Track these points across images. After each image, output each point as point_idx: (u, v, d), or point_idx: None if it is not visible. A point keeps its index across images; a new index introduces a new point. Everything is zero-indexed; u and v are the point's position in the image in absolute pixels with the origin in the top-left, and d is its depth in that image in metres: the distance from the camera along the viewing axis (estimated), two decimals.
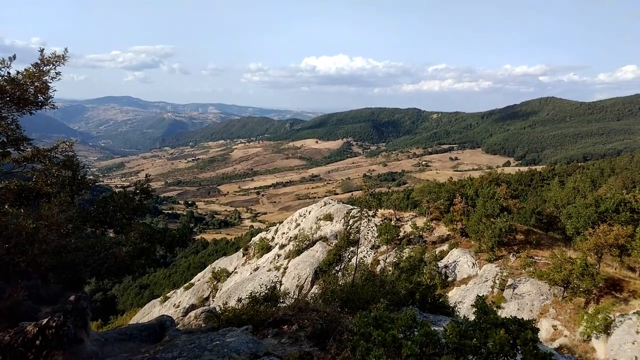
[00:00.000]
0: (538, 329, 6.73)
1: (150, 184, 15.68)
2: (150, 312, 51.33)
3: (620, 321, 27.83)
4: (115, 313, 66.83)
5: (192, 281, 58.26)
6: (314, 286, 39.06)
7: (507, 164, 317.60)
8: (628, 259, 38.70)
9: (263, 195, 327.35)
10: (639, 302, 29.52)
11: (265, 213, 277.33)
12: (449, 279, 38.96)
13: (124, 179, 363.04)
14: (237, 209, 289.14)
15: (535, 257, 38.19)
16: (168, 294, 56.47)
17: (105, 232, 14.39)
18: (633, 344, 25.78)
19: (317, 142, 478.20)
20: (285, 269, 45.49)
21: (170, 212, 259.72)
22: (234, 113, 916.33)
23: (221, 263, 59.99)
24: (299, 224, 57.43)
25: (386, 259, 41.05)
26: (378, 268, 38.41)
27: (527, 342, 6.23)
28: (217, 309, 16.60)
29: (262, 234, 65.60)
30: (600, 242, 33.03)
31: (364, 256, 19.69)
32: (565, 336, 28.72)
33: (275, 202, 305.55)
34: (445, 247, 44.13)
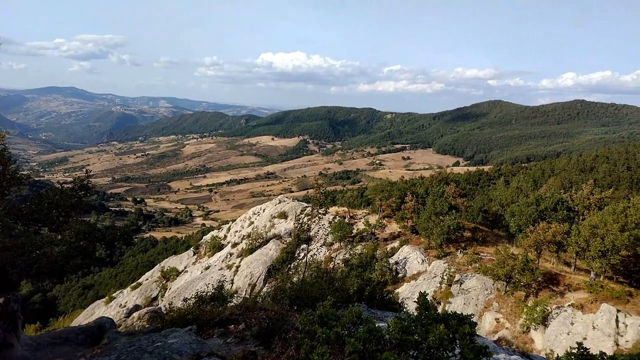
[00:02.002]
0: (476, 323, 6.97)
1: (92, 179, 14.80)
2: (93, 313, 48.95)
3: (557, 313, 29.55)
4: (55, 315, 63.23)
5: (139, 280, 56.13)
6: (267, 284, 38.72)
7: (457, 163, 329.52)
8: (564, 255, 41.18)
9: (216, 192, 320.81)
10: (574, 295, 31.43)
11: (218, 211, 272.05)
12: (400, 275, 39.80)
13: (67, 174, 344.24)
14: (189, 206, 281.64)
15: (481, 254, 39.78)
16: (114, 294, 54.06)
17: (39, 231, 13.46)
18: (568, 334, 27.44)
19: (273, 139, 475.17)
20: (237, 267, 44.79)
21: (117, 209, 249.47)
22: (187, 107, 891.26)
23: (171, 262, 58.25)
24: (252, 222, 56.74)
25: (337, 256, 41.37)
26: (331, 265, 38.60)
27: (465, 336, 6.43)
28: (163, 309, 16.04)
29: (215, 232, 64.32)
30: (540, 238, 34.84)
31: (314, 253, 19.68)
32: (507, 328, 30.12)
33: (228, 199, 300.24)
34: (396, 244, 45.04)
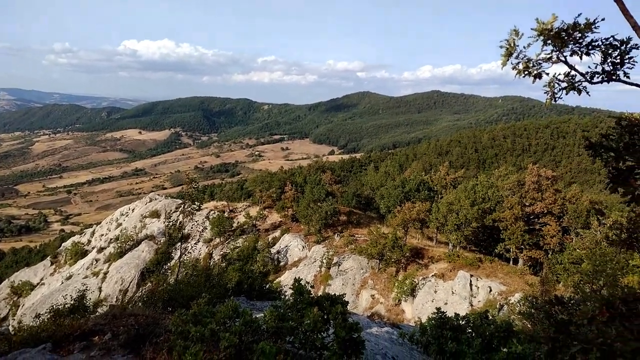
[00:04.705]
0: (347, 302, 7.21)
1: None
2: None
3: (423, 284, 32.68)
4: None
5: None
6: (141, 289, 35.96)
7: (332, 152, 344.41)
8: (427, 230, 45.72)
9: (76, 194, 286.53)
10: (436, 266, 35.06)
11: (80, 214, 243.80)
12: (282, 263, 40.18)
13: None
14: (43, 211, 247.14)
15: (356, 235, 42.08)
16: None
17: None
18: (432, 301, 30.49)
19: (140, 132, 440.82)
20: (105, 274, 41.05)
21: None
22: (35, 100, 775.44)
23: (23, 275, 51.08)
24: (120, 224, 52.44)
25: (217, 252, 40.18)
26: (210, 261, 37.35)
27: (338, 315, 6.59)
28: (11, 329, 13.85)
29: (76, 238, 58.17)
30: (406, 217, 38.04)
31: (189, 251, 18.68)
32: (381, 303, 32.40)
33: (91, 201, 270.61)
34: (277, 233, 45.36)
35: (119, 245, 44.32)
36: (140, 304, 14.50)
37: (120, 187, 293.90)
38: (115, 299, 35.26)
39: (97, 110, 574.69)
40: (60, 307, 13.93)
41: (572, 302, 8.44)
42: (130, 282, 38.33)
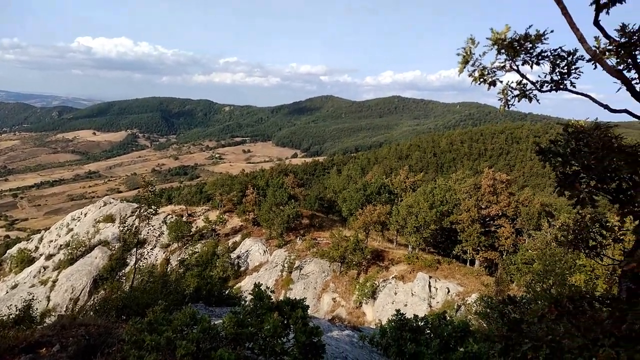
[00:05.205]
0: (308, 306, 7.21)
1: None
2: None
3: (383, 286, 33.14)
4: None
5: None
6: (93, 297, 34.48)
7: (295, 155, 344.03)
8: (388, 233, 46.44)
9: (22, 197, 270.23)
10: (396, 268, 35.66)
11: (27, 219, 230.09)
12: (242, 268, 39.67)
13: None
14: None
15: (319, 239, 42.16)
16: None
17: None
18: (393, 303, 30.96)
19: (95, 133, 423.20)
20: (54, 282, 39.18)
21: None
22: None
23: None
24: (72, 229, 50.29)
25: (174, 257, 39.18)
26: (169, 267, 36.34)
27: (298, 320, 6.59)
28: None
29: (22, 245, 55.27)
30: (367, 220, 38.50)
31: (146, 257, 18.09)
32: (343, 306, 32.57)
33: (40, 205, 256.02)
34: (238, 237, 44.75)
35: (70, 251, 42.39)
36: (91, 313, 13.91)
37: (72, 190, 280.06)
38: (65, 309, 33.60)
39: (47, 110, 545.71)
40: (4, 317, 13.19)
41: (523, 301, 8.79)
42: (82, 290, 36.71)
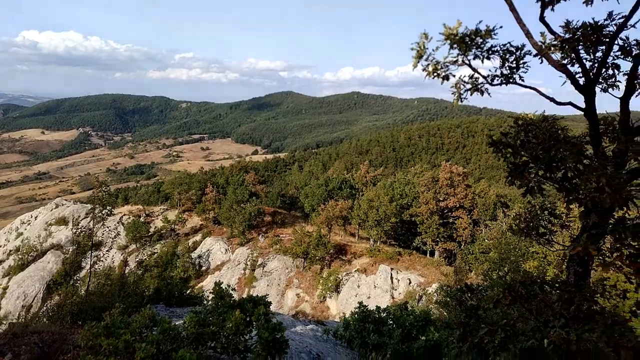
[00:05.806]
0: (270, 303, 7.20)
1: None
2: None
3: (347, 279, 33.48)
4: None
5: None
6: (46, 303, 32.91)
7: (256, 152, 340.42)
8: (350, 227, 46.98)
9: None
10: (359, 261, 36.12)
11: None
12: (204, 268, 38.99)
13: None
14: None
15: (281, 235, 42.02)
16: None
17: None
18: (356, 296, 31.34)
19: (43, 132, 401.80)
20: (5, 289, 37.16)
21: None
22: None
23: None
24: (21, 233, 47.70)
25: (133, 259, 37.99)
26: (127, 269, 35.18)
27: (261, 317, 6.58)
28: None
29: None
30: (330, 215, 38.78)
31: (102, 260, 17.42)
32: (307, 301, 32.67)
33: None
34: (198, 237, 43.93)
35: (20, 257, 40.27)
36: (45, 319, 13.31)
37: (20, 192, 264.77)
38: (17, 317, 31.93)
39: None
40: None
41: (480, 288, 9.12)
42: (35, 296, 34.93)
